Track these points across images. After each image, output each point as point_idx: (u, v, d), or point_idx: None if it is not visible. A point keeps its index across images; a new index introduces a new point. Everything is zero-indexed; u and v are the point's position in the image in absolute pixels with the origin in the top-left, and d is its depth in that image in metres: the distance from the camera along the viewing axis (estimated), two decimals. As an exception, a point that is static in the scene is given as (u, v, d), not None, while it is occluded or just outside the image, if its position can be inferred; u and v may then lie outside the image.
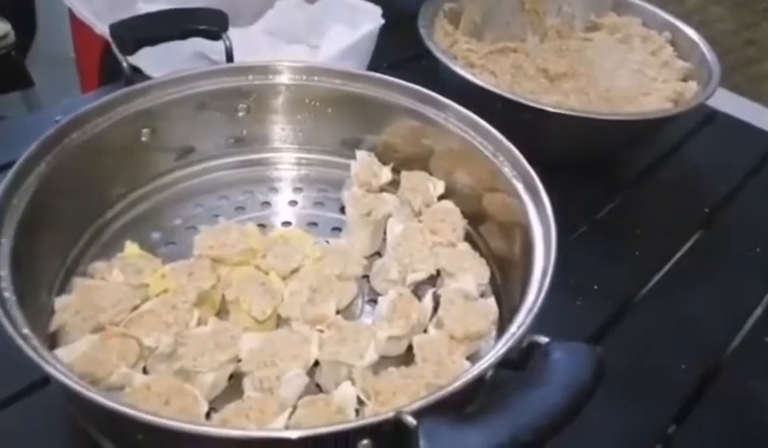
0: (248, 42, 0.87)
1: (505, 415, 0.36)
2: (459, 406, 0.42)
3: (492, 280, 0.60)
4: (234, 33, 0.71)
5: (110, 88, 0.63)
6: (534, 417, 0.36)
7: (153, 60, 0.75)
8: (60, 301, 0.51)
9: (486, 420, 0.36)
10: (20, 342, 0.40)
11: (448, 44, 0.88)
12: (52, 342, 0.52)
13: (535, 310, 0.46)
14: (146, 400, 0.45)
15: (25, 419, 0.52)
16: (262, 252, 0.58)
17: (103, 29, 0.77)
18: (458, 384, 0.41)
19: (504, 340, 0.45)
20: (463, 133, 0.64)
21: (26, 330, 0.42)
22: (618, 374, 0.49)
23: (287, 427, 0.45)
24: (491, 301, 0.58)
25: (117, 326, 0.50)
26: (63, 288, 0.56)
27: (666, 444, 0.57)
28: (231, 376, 0.51)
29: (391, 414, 0.38)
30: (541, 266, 0.51)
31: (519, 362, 0.44)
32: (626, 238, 0.75)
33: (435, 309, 0.56)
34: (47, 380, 0.52)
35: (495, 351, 0.44)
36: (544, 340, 0.42)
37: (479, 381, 0.42)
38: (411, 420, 0.37)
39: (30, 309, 0.49)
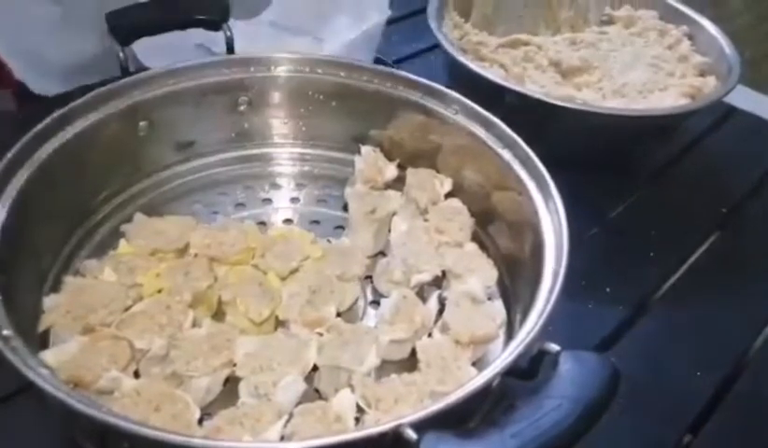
0: (252, 34, 0.85)
1: (512, 431, 0.34)
2: (463, 416, 0.40)
3: (501, 282, 0.58)
4: (237, 25, 0.69)
5: (106, 80, 0.61)
6: (542, 433, 0.34)
7: (152, 51, 0.73)
8: (49, 301, 0.50)
9: (491, 435, 0.34)
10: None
11: (458, 37, 0.85)
12: (44, 343, 0.50)
13: (545, 315, 0.44)
14: (135, 406, 0.43)
15: (14, 422, 0.51)
16: (260, 251, 0.56)
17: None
18: (462, 394, 0.39)
19: (512, 347, 0.42)
20: (472, 129, 0.62)
21: (7, 332, 0.40)
22: (631, 381, 0.47)
23: (283, 436, 0.43)
24: (499, 303, 0.56)
25: (108, 327, 0.48)
26: (55, 287, 0.54)
27: (682, 456, 0.55)
28: (227, 381, 0.49)
29: (390, 426, 0.36)
30: (552, 268, 0.48)
31: (528, 371, 0.42)
32: (640, 239, 0.73)
33: (441, 312, 0.53)
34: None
35: (503, 358, 0.41)
36: (554, 348, 0.40)
37: (485, 390, 0.40)
38: (412, 434, 0.35)
39: (19, 308, 0.48)
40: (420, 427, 0.36)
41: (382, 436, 0.36)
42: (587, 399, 0.35)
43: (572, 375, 0.37)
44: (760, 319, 0.66)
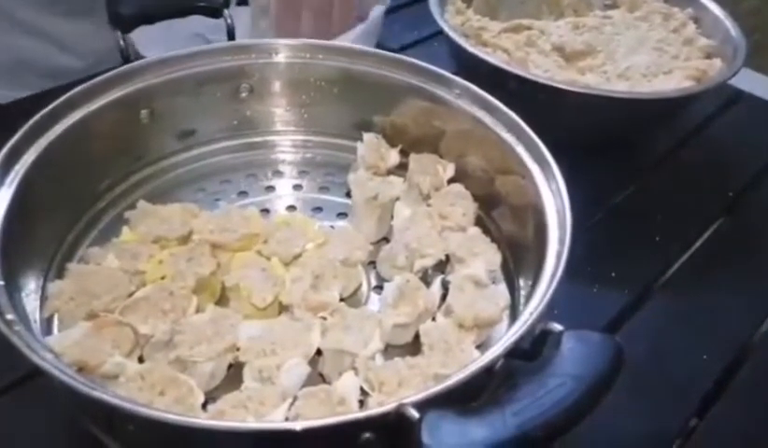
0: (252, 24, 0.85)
1: (513, 409, 0.34)
2: (466, 398, 0.40)
3: (504, 266, 0.57)
4: (239, 13, 0.68)
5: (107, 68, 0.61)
6: (544, 411, 0.33)
7: (150, 42, 0.73)
8: (53, 287, 0.50)
9: (492, 413, 0.34)
10: (3, 328, 0.39)
11: (460, 22, 0.85)
12: (49, 329, 0.50)
13: (548, 296, 0.44)
14: (139, 391, 0.43)
15: (21, 408, 0.51)
16: (263, 237, 0.56)
17: None
18: (464, 374, 0.38)
19: (515, 327, 0.42)
20: (475, 113, 0.61)
21: (10, 316, 0.40)
22: (636, 366, 0.47)
23: (286, 419, 0.43)
24: (503, 287, 0.56)
25: (112, 313, 0.49)
26: (59, 274, 0.54)
27: (687, 440, 0.55)
28: (231, 366, 0.49)
29: (392, 406, 0.36)
30: (555, 251, 0.48)
31: (531, 352, 0.41)
32: (645, 223, 0.73)
33: (444, 296, 0.53)
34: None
35: (505, 339, 0.41)
36: (557, 328, 0.40)
37: (488, 371, 0.40)
38: (413, 413, 0.35)
39: (23, 294, 0.48)
40: (423, 407, 0.35)
41: (384, 416, 0.36)
42: (590, 377, 0.35)
43: (575, 354, 0.36)
44: (766, 304, 0.66)
